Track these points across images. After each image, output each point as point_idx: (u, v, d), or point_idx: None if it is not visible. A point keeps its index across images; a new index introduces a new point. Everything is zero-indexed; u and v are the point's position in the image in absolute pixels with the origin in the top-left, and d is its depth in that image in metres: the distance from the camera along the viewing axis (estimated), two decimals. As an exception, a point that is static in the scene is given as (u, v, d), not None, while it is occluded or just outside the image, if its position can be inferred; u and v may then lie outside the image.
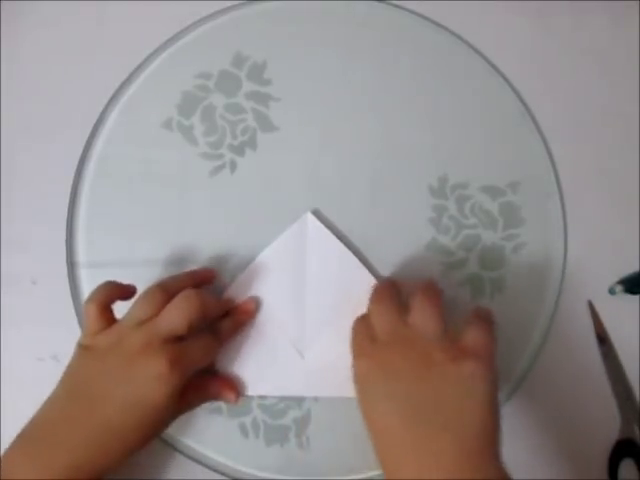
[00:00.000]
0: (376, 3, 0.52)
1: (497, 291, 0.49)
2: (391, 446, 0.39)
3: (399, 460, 0.38)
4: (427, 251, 0.49)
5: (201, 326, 0.43)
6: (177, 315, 0.41)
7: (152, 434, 0.42)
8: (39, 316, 0.49)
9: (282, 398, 0.48)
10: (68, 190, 0.50)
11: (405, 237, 0.49)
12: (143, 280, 0.49)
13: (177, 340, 0.41)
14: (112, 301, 0.43)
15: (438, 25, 0.51)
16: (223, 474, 0.48)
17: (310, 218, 0.48)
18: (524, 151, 0.51)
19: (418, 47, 0.51)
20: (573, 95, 0.51)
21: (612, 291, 0.49)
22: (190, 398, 0.44)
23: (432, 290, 0.43)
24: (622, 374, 0.49)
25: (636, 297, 0.49)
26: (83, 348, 0.42)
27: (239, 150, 0.50)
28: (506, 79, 0.51)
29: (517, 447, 0.48)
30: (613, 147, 0.51)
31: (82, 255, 0.50)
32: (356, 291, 0.47)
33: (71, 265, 0.49)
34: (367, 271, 0.48)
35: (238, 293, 0.48)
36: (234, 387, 0.46)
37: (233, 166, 0.50)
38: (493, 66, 0.51)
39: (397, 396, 0.39)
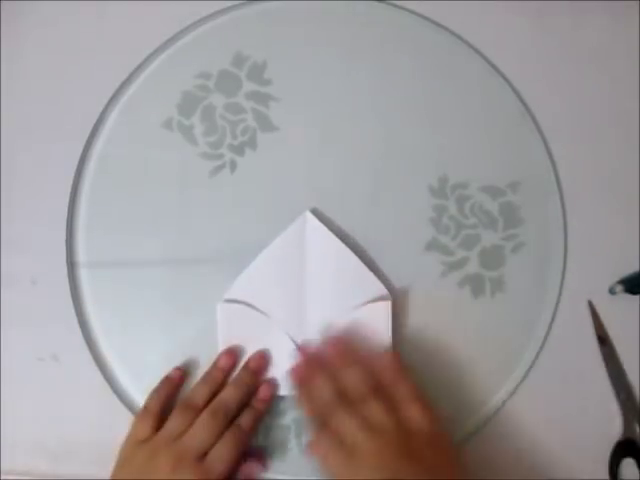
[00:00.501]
0: (376, 3, 0.52)
1: (497, 291, 0.49)
2: None
3: None
4: (427, 251, 0.49)
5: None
6: (205, 433, 0.43)
7: None
8: (39, 316, 0.49)
9: (282, 398, 0.48)
10: (68, 190, 0.50)
11: (405, 237, 0.49)
12: (143, 280, 0.49)
13: (205, 453, 0.43)
14: (164, 405, 0.46)
15: (438, 25, 0.51)
16: (223, 474, 0.48)
17: (309, 217, 0.48)
18: (524, 151, 0.51)
19: (418, 47, 0.51)
20: (573, 95, 0.51)
21: (612, 291, 0.49)
22: None
23: (377, 389, 0.43)
24: (622, 374, 0.49)
25: (636, 297, 0.49)
26: (125, 459, 0.44)
27: (239, 150, 0.50)
28: (506, 79, 0.51)
29: (518, 447, 0.48)
30: (613, 147, 0.51)
31: (82, 255, 0.50)
32: (356, 289, 0.47)
33: (71, 265, 0.49)
34: (367, 269, 0.48)
35: (239, 294, 0.48)
36: (258, 461, 0.47)
37: (233, 166, 0.50)
38: (493, 66, 0.51)
39: None
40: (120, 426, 0.45)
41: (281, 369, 0.47)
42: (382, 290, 0.48)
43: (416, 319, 0.48)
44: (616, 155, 0.51)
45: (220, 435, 0.44)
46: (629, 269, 0.50)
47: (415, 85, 0.51)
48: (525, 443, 0.48)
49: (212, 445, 0.43)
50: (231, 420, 0.45)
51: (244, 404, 0.46)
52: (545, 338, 0.49)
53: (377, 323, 0.47)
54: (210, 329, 0.48)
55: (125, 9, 0.51)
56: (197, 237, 0.49)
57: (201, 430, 0.44)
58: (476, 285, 0.49)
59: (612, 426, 0.48)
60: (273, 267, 0.48)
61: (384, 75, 0.51)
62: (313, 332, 0.47)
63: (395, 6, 0.51)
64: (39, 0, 0.52)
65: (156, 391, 0.47)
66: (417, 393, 0.43)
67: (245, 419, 0.46)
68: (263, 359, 0.47)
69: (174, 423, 0.44)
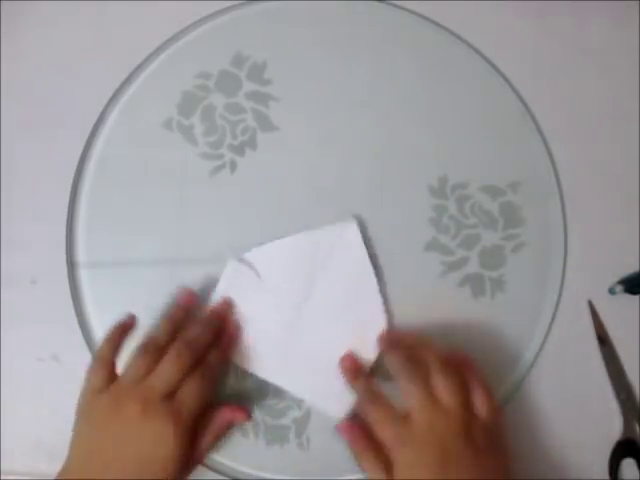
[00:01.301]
0: (376, 3, 0.52)
1: (497, 291, 0.49)
2: None
3: None
4: (427, 251, 0.49)
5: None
6: (171, 371, 0.42)
7: None
8: (39, 316, 0.49)
9: (282, 398, 0.48)
10: (68, 190, 0.50)
11: (405, 237, 0.49)
12: (143, 280, 0.49)
13: (172, 393, 0.42)
14: (118, 353, 0.45)
15: (438, 25, 0.51)
16: (223, 474, 0.48)
17: (353, 228, 0.48)
18: (524, 151, 0.51)
19: (418, 47, 0.51)
20: (573, 95, 0.51)
21: (612, 291, 0.49)
22: (202, 443, 0.44)
23: (450, 366, 0.43)
24: (622, 374, 0.49)
25: (636, 297, 0.49)
26: (85, 411, 0.43)
27: (239, 150, 0.50)
28: (506, 79, 0.51)
29: (518, 447, 0.48)
30: (613, 147, 0.51)
31: (82, 255, 0.50)
32: (362, 316, 0.48)
33: (71, 265, 0.49)
34: (381, 302, 0.48)
35: (253, 260, 0.48)
36: (241, 408, 0.46)
37: (233, 166, 0.50)
38: (493, 66, 0.51)
39: (453, 474, 0.40)
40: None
41: (267, 351, 0.47)
42: (381, 320, 0.48)
43: (416, 319, 0.48)
44: (616, 155, 0.51)
45: (187, 374, 0.42)
46: (629, 269, 0.50)
47: (415, 85, 0.51)
48: (525, 443, 0.48)
49: (179, 383, 0.42)
50: (197, 361, 0.44)
51: (209, 345, 0.45)
52: (545, 338, 0.49)
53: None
54: (210, 329, 0.48)
55: (125, 9, 0.52)
56: (197, 237, 0.49)
57: (167, 369, 0.42)
58: (476, 285, 0.49)
59: (612, 426, 0.48)
60: (296, 255, 0.48)
61: (384, 75, 0.51)
62: (306, 334, 0.48)
63: (395, 6, 0.52)
64: (39, 0, 0.52)
65: (108, 339, 0.45)
66: (484, 383, 0.44)
67: (212, 357, 0.44)
68: (228, 305, 0.47)
69: (137, 365, 0.43)
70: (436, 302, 0.49)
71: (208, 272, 0.49)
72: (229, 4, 0.51)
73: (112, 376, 0.44)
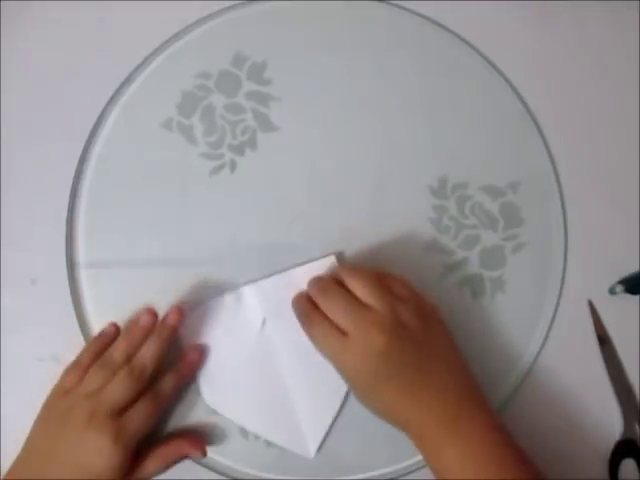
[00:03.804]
0: (376, 3, 0.52)
1: (497, 291, 0.49)
2: (406, 410, 0.42)
3: (415, 411, 0.42)
4: (427, 251, 0.49)
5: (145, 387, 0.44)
6: (119, 390, 0.43)
7: None
8: (39, 316, 0.49)
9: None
10: (68, 190, 0.50)
11: (405, 237, 0.49)
12: (143, 280, 0.49)
13: (120, 410, 0.43)
14: (94, 362, 0.45)
15: (438, 25, 0.51)
16: (223, 474, 0.48)
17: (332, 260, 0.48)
18: (524, 151, 0.51)
19: (418, 47, 0.51)
20: (573, 95, 0.51)
21: (612, 291, 0.49)
22: (149, 465, 0.44)
23: (358, 267, 0.45)
24: (622, 374, 0.49)
25: (636, 297, 0.49)
26: (44, 410, 0.45)
27: (239, 150, 0.50)
28: (506, 79, 0.51)
29: (517, 447, 0.48)
30: (613, 147, 0.51)
31: (82, 255, 0.50)
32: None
33: (71, 265, 0.49)
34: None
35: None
36: (198, 442, 0.46)
37: (233, 166, 0.50)
38: (493, 66, 0.51)
39: (400, 371, 0.42)
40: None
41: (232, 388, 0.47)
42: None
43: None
44: (616, 155, 0.51)
45: (138, 393, 0.43)
46: (629, 269, 0.50)
47: (415, 85, 0.51)
48: (525, 443, 0.48)
49: (128, 403, 0.43)
50: (155, 377, 0.45)
51: (163, 362, 0.45)
52: (545, 338, 0.49)
53: None
54: (210, 329, 0.48)
55: (125, 9, 0.51)
56: (197, 237, 0.49)
57: (116, 387, 0.43)
58: (476, 285, 0.49)
59: (612, 426, 0.48)
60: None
61: (384, 75, 0.51)
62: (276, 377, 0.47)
63: (395, 6, 0.51)
64: (39, 0, 0.52)
65: (89, 346, 0.47)
66: (394, 274, 0.45)
67: (165, 383, 0.45)
68: (180, 314, 0.46)
69: (92, 378, 0.44)
70: (436, 303, 0.49)
71: (208, 272, 0.49)
72: (229, 4, 0.51)
73: (81, 380, 0.45)
